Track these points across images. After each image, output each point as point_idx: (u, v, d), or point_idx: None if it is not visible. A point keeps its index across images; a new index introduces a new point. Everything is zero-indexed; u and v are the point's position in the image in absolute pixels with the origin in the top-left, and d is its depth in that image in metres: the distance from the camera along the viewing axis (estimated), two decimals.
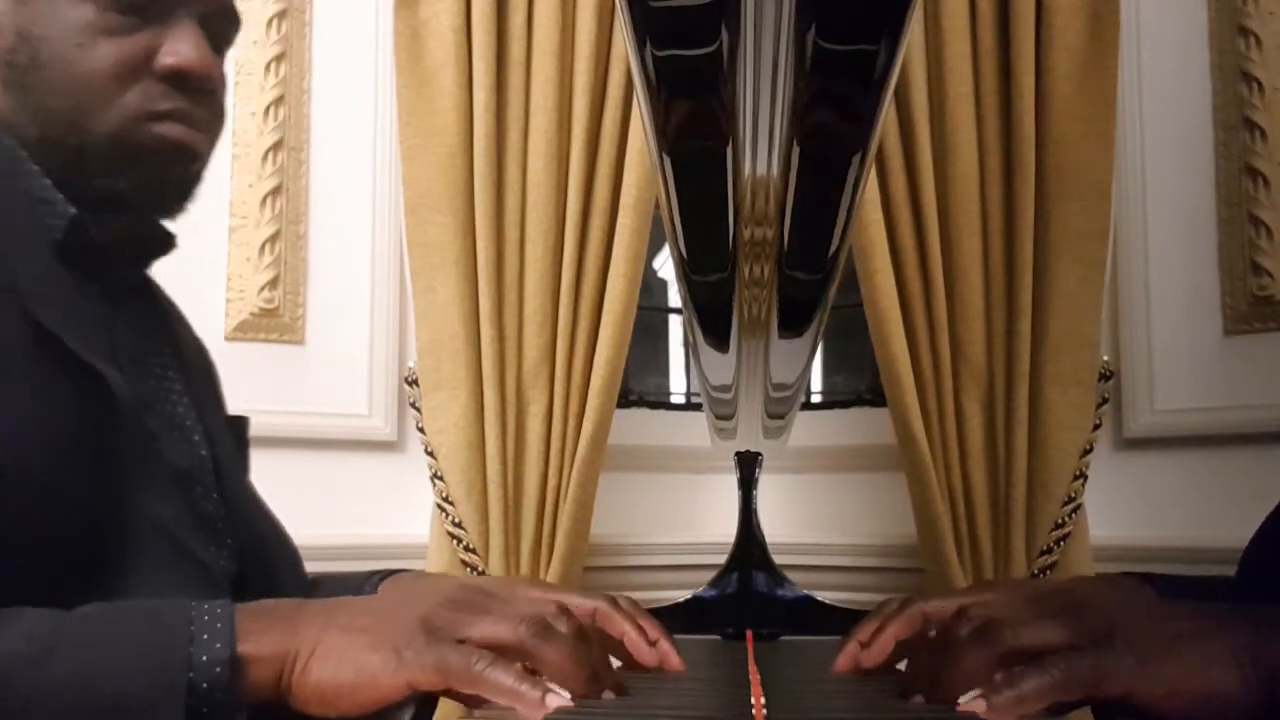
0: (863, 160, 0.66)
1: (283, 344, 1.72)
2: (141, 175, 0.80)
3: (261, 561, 0.87)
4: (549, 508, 1.63)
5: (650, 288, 2.10)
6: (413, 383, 1.68)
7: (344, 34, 1.79)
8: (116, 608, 0.62)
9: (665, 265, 2.14)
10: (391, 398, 1.75)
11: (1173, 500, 1.61)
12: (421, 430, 1.65)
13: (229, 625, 0.59)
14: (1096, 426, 1.58)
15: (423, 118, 1.64)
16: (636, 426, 1.94)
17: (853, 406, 1.98)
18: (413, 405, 1.68)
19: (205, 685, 0.57)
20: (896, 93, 1.58)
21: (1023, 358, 1.56)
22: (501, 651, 0.65)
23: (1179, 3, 1.66)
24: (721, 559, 1.35)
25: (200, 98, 0.82)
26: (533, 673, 0.65)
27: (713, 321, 0.92)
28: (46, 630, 0.57)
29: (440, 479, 1.62)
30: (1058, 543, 1.54)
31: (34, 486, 0.66)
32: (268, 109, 1.72)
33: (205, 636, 0.59)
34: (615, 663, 0.80)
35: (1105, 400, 1.60)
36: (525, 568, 1.62)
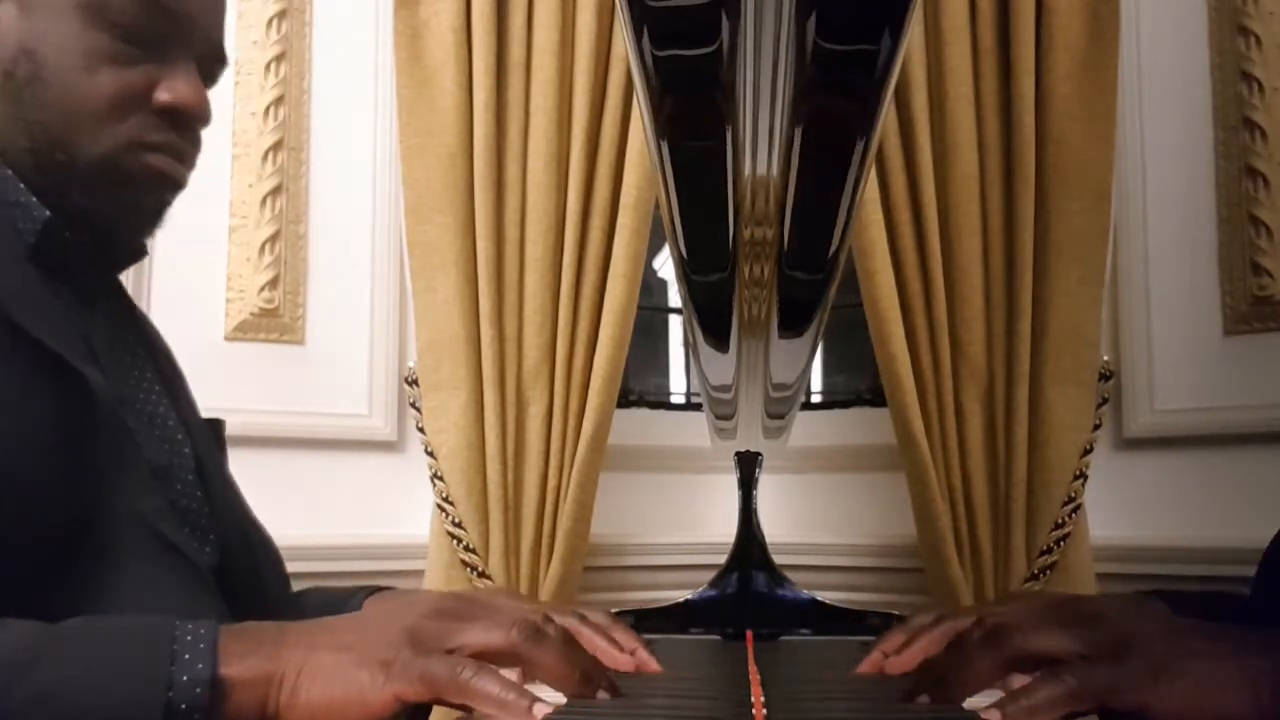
0: (863, 160, 0.67)
1: (283, 344, 1.72)
2: (124, 200, 0.83)
3: (245, 558, 0.87)
4: (549, 508, 1.63)
5: (650, 288, 2.10)
6: (413, 383, 1.68)
7: (344, 34, 1.79)
8: (101, 622, 0.61)
9: (665, 265, 2.14)
10: (391, 398, 1.75)
11: (1172, 500, 1.61)
12: (421, 430, 1.65)
13: (211, 646, 0.59)
14: (1096, 426, 1.58)
15: (423, 118, 1.64)
16: (636, 426, 1.94)
17: (853, 406, 1.98)
18: (413, 405, 1.68)
19: (184, 706, 0.57)
20: (896, 93, 1.58)
21: (1023, 358, 1.56)
22: (494, 657, 0.65)
23: (1179, 3, 1.66)
24: (721, 559, 1.35)
25: (187, 133, 0.85)
26: (523, 680, 0.65)
27: (713, 321, 0.92)
28: (27, 643, 0.57)
29: (440, 479, 1.62)
30: (1058, 542, 1.54)
31: (14, 485, 0.67)
32: (268, 109, 1.72)
33: (187, 656, 0.58)
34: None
35: (1105, 400, 1.60)
36: (525, 568, 1.62)
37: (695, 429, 1.86)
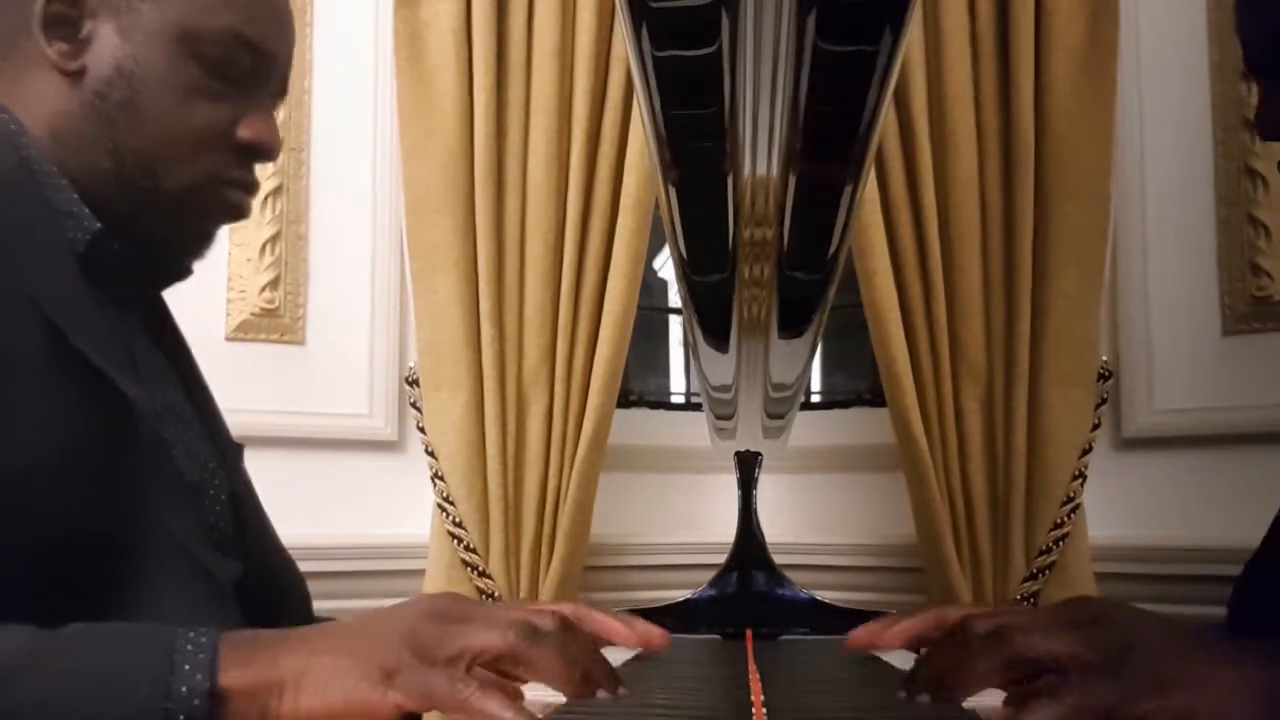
0: (862, 161, 0.67)
1: (283, 344, 1.72)
2: (194, 228, 0.87)
3: (268, 579, 0.88)
4: (549, 508, 1.63)
5: (650, 288, 2.10)
6: (413, 383, 1.68)
7: (344, 35, 1.79)
8: (101, 629, 0.61)
9: (665, 265, 2.15)
10: (392, 398, 1.75)
11: (1171, 500, 1.61)
12: (422, 430, 1.65)
13: (211, 656, 0.58)
14: (1095, 426, 1.58)
15: (423, 118, 1.65)
16: (636, 426, 1.94)
17: (852, 406, 1.98)
18: (413, 405, 1.68)
19: (182, 717, 0.56)
20: (896, 93, 1.58)
21: (1022, 358, 1.57)
22: (492, 661, 0.64)
23: (1178, 3, 1.66)
24: (721, 559, 1.36)
25: (255, 167, 0.88)
26: (518, 691, 0.65)
27: (713, 322, 0.92)
28: (26, 649, 0.57)
29: (441, 479, 1.62)
30: (1056, 542, 1.54)
31: (49, 497, 0.67)
32: None
33: (186, 667, 0.58)
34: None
35: (1104, 400, 1.60)
36: (525, 567, 1.62)
37: (695, 429, 1.86)
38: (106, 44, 0.81)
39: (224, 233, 1.82)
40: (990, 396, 1.59)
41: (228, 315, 1.70)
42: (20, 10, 0.80)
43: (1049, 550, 1.55)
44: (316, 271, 1.75)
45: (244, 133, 0.85)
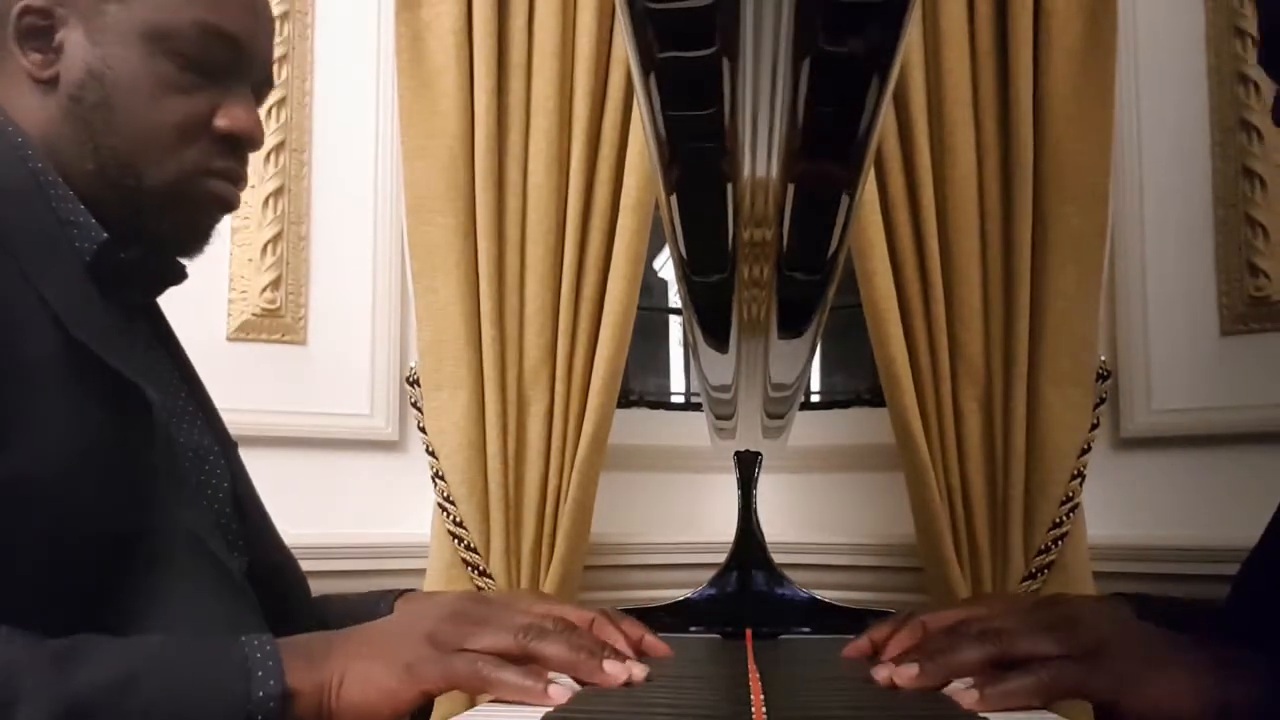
0: (862, 162, 0.67)
1: (285, 344, 1.73)
2: (185, 222, 0.87)
3: (271, 569, 0.92)
4: (549, 507, 1.64)
5: (650, 288, 2.11)
6: (414, 383, 1.68)
7: (346, 36, 1.80)
8: (180, 642, 0.68)
9: (665, 265, 2.15)
10: (393, 398, 1.75)
11: (1170, 500, 1.61)
12: (423, 430, 1.65)
13: (279, 662, 0.66)
14: (1094, 426, 1.58)
15: (424, 119, 1.65)
16: (636, 426, 1.95)
17: (852, 406, 1.99)
18: (414, 405, 1.69)
19: (261, 718, 0.64)
20: (895, 94, 1.58)
21: (1020, 358, 1.57)
22: (505, 658, 0.72)
23: (1176, 5, 1.66)
24: (721, 559, 1.36)
25: (243, 157, 0.89)
26: (538, 670, 0.72)
27: (713, 322, 0.92)
28: (123, 662, 0.63)
29: (441, 479, 1.63)
30: (1055, 542, 1.54)
31: (70, 497, 0.70)
32: (270, 110, 1.72)
33: (260, 673, 0.65)
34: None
35: (1103, 400, 1.60)
36: (526, 567, 1.62)
37: (695, 429, 1.86)
38: (77, 49, 0.82)
39: (225, 233, 1.83)
40: (989, 396, 1.60)
41: (229, 315, 1.70)
42: None
43: (1048, 549, 1.55)
44: (318, 272, 1.76)
45: (222, 122, 0.85)
